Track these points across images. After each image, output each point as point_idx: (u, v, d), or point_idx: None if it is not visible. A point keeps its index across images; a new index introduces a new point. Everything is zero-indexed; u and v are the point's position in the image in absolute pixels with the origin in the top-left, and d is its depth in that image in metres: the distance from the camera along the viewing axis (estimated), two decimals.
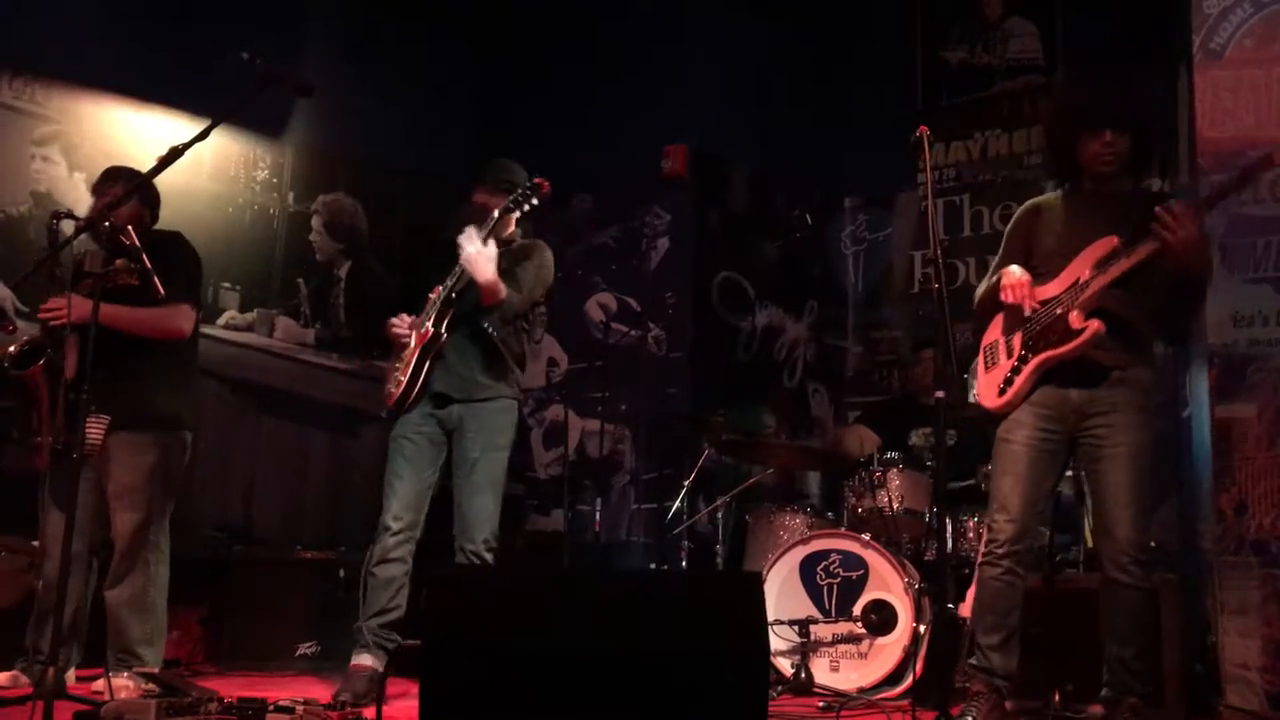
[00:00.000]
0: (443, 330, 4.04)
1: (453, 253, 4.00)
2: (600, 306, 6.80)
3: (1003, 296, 3.39)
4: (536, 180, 4.04)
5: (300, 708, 2.75)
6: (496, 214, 3.98)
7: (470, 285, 3.99)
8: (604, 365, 6.19)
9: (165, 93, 5.63)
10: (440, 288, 4.10)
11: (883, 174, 6.68)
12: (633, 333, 6.33)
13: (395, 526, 3.98)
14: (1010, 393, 3.40)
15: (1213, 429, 3.81)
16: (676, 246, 6.61)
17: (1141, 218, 3.25)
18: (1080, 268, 3.31)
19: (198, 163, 5.90)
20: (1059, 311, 3.31)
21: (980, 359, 3.57)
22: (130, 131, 5.64)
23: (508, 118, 6.94)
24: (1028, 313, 3.37)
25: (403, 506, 4.01)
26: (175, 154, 3.25)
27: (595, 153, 6.58)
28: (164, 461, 3.94)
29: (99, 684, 3.68)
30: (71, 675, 3.89)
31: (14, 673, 3.85)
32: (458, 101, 6.99)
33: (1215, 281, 3.82)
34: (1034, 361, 3.35)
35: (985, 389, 3.51)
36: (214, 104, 3.57)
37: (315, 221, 6.47)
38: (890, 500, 4.67)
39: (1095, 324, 3.24)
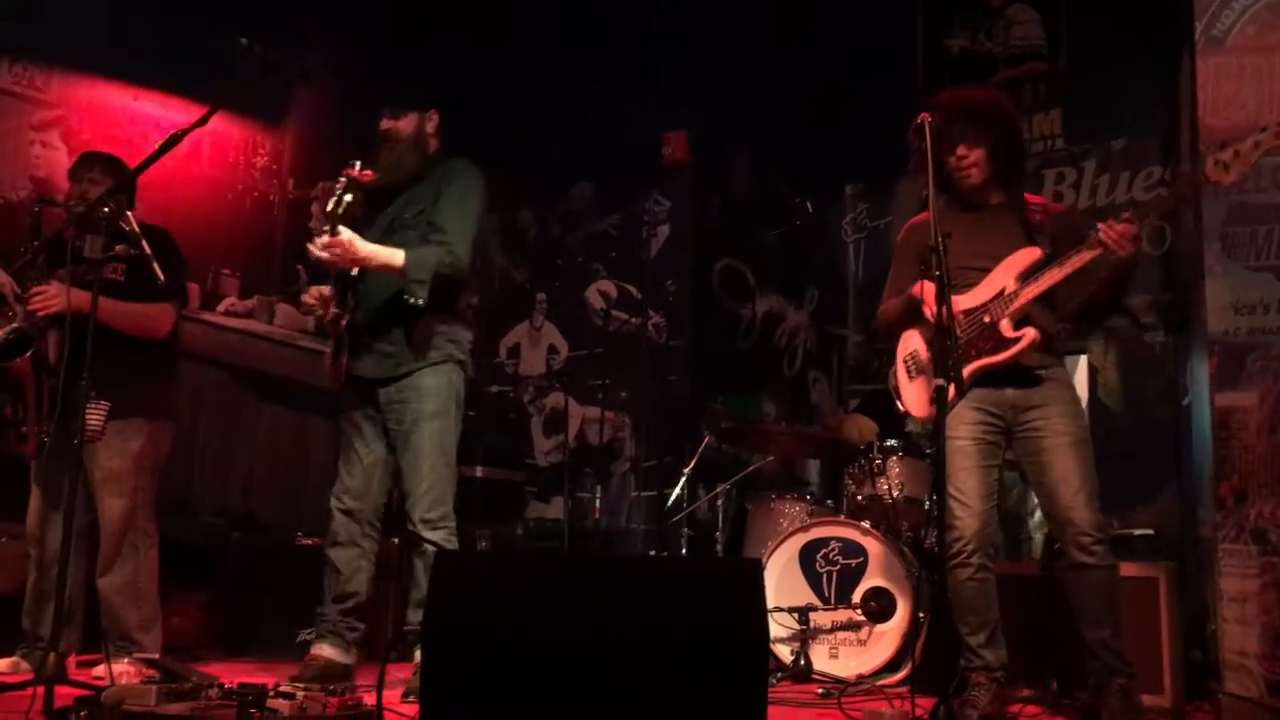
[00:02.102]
0: (344, 310, 3.73)
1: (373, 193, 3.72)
2: (601, 294, 6.80)
3: (928, 314, 3.38)
4: (347, 171, 3.56)
5: (301, 693, 2.75)
6: (330, 203, 3.54)
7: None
8: (604, 353, 6.19)
9: (165, 78, 5.63)
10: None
11: (884, 161, 6.65)
12: (633, 320, 6.33)
13: (338, 506, 3.82)
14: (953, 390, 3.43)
15: (1213, 417, 3.81)
16: (677, 234, 6.61)
17: (1038, 225, 3.46)
18: (1003, 278, 3.43)
19: (197, 149, 5.89)
20: (987, 320, 3.41)
21: (901, 370, 3.64)
22: (129, 117, 5.63)
23: (508, 104, 6.92)
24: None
25: (344, 488, 3.84)
26: (175, 140, 3.24)
27: (595, 140, 6.58)
28: (150, 448, 3.97)
29: (99, 669, 3.69)
30: (71, 661, 3.90)
31: (14, 658, 3.86)
32: (458, 88, 6.96)
33: (1217, 269, 3.83)
34: (969, 369, 3.40)
35: (913, 401, 3.58)
36: (213, 90, 3.57)
37: (315, 208, 6.46)
38: (890, 488, 4.68)
39: (1032, 332, 3.37)
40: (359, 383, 3.81)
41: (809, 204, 6.91)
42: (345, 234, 3.56)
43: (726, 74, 6.30)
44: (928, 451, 4.82)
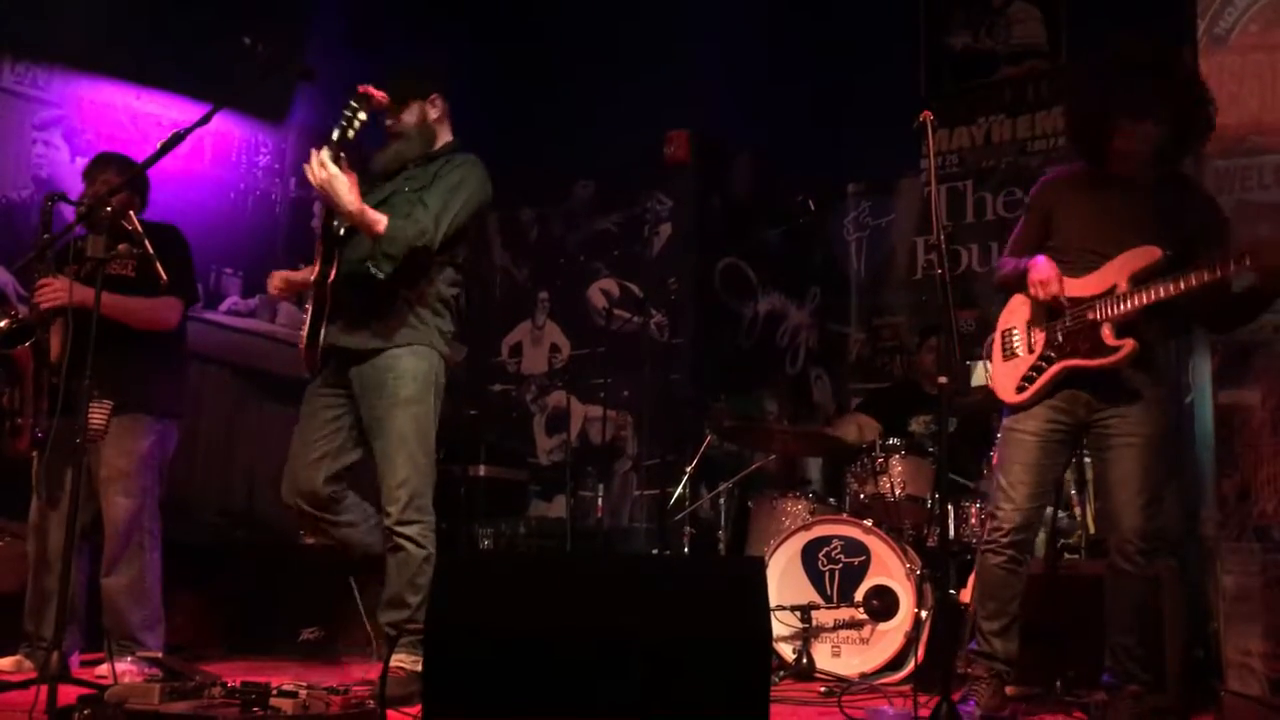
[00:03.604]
0: (327, 276, 3.52)
1: (366, 177, 3.58)
2: (603, 293, 6.80)
3: (1033, 293, 3.34)
4: (362, 89, 3.48)
5: (304, 692, 2.75)
6: (335, 133, 3.43)
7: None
8: (606, 351, 6.19)
9: (167, 78, 5.63)
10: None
11: (886, 159, 6.67)
12: (635, 319, 6.33)
13: (289, 504, 3.62)
14: (1029, 392, 3.36)
15: (1215, 415, 3.80)
16: (679, 232, 6.61)
17: (1183, 214, 3.22)
18: (1117, 274, 3.24)
19: (199, 148, 5.90)
20: (1090, 318, 3.25)
21: (997, 343, 3.49)
22: (132, 116, 5.63)
23: (510, 103, 6.92)
24: (1058, 306, 3.31)
25: (285, 480, 3.63)
26: (177, 139, 3.25)
27: (597, 138, 6.58)
28: (157, 447, 3.97)
29: (102, 668, 3.69)
30: (74, 660, 3.90)
31: (18, 657, 3.87)
32: (460, 87, 6.94)
33: None
34: (1058, 365, 3.30)
35: (1002, 381, 3.44)
36: (216, 89, 3.57)
37: (317, 207, 6.46)
38: (892, 486, 4.68)
39: (1131, 344, 3.18)
40: (334, 356, 3.59)
41: (811, 202, 6.90)
42: (336, 172, 3.40)
43: (728, 72, 6.30)
44: (930, 450, 4.83)
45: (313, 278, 3.58)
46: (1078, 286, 3.30)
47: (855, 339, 7.08)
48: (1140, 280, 3.20)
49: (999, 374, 3.46)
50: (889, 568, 4.40)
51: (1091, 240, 3.32)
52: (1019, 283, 3.42)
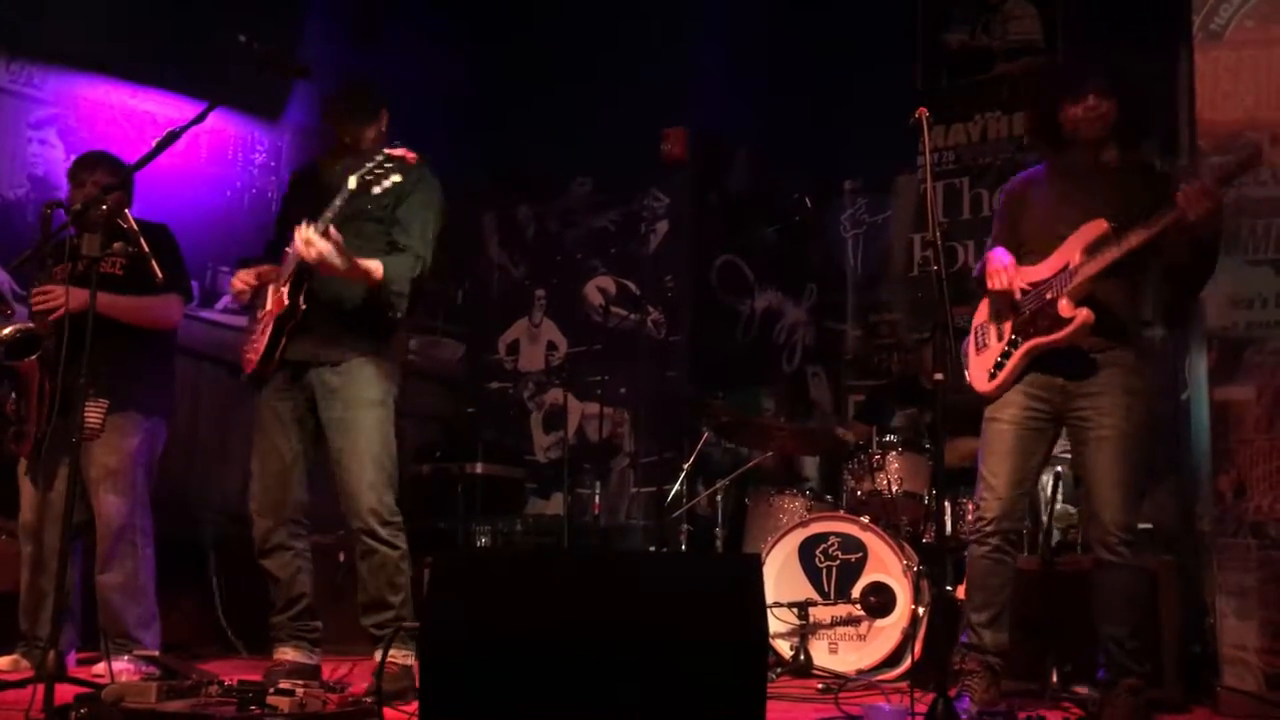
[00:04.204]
0: (300, 302, 3.51)
1: (325, 195, 3.49)
2: (599, 290, 6.80)
3: (989, 284, 3.41)
4: (394, 152, 3.37)
5: (301, 690, 2.75)
6: (352, 184, 3.35)
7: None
8: (603, 349, 6.19)
9: (162, 76, 5.62)
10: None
11: (882, 157, 6.67)
12: (632, 316, 6.33)
13: (255, 516, 3.63)
14: (1001, 377, 3.42)
15: (1211, 411, 3.81)
16: (676, 230, 6.61)
17: (1141, 193, 3.26)
18: (1070, 251, 3.30)
19: (195, 146, 5.89)
20: (1049, 297, 3.31)
21: (971, 340, 3.57)
22: (127, 114, 5.63)
23: (507, 100, 6.92)
24: (1017, 296, 3.38)
25: (262, 488, 3.63)
26: (172, 137, 3.25)
27: (594, 136, 6.58)
28: (146, 444, 3.98)
29: (99, 667, 3.69)
30: (71, 659, 3.90)
31: (14, 656, 3.87)
32: (456, 84, 6.96)
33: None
34: (1023, 348, 3.36)
35: (976, 372, 3.52)
36: (211, 87, 3.56)
37: None
38: (889, 483, 4.68)
39: (1084, 313, 3.23)
40: (290, 367, 3.60)
41: (808, 199, 6.91)
42: (327, 247, 3.33)
43: (725, 70, 6.30)
44: (927, 446, 4.83)
45: (272, 296, 3.57)
46: (1035, 271, 3.37)
47: (852, 336, 7.08)
48: (1093, 250, 3.26)
49: (973, 367, 3.54)
50: (886, 564, 4.40)
51: (1051, 227, 3.38)
52: (983, 281, 3.49)
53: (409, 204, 3.60)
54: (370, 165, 3.33)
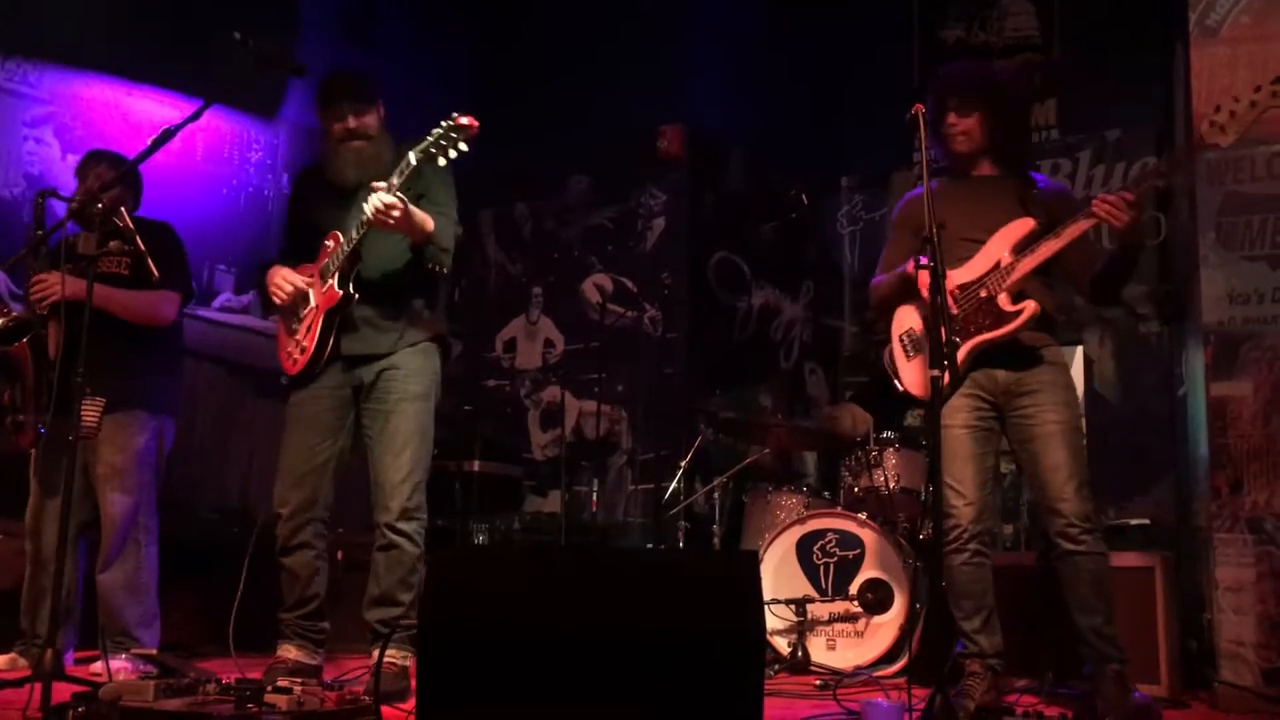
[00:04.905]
0: (352, 290, 3.51)
1: (336, 192, 3.56)
2: (597, 287, 6.79)
3: (924, 291, 3.35)
4: (460, 120, 3.25)
5: (298, 688, 2.75)
6: (413, 160, 3.30)
7: (376, 234, 3.44)
8: (600, 346, 6.18)
9: (158, 74, 5.61)
10: (339, 236, 3.54)
11: (879, 153, 6.67)
12: (629, 314, 6.33)
13: (285, 512, 3.58)
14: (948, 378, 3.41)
15: (1208, 407, 3.82)
16: (673, 227, 6.61)
17: (1035, 199, 3.38)
18: (999, 250, 3.36)
19: (191, 144, 5.88)
20: (984, 295, 3.35)
21: (897, 348, 3.57)
22: (123, 113, 5.62)
23: (504, 97, 6.91)
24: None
25: (288, 487, 3.58)
26: (168, 135, 3.24)
27: (591, 133, 6.57)
28: (153, 443, 3.98)
29: (97, 666, 3.69)
30: (69, 657, 3.90)
31: (12, 655, 3.87)
32: (454, 81, 6.96)
33: (1212, 259, 3.83)
34: (967, 345, 3.36)
35: (912, 379, 3.52)
36: (208, 85, 3.55)
37: None
38: (887, 479, 4.68)
39: (1031, 304, 3.30)
40: (341, 361, 3.60)
41: (804, 196, 6.90)
42: (399, 201, 3.32)
43: (722, 67, 6.30)
44: (924, 442, 4.83)
45: (317, 293, 3.56)
46: (962, 274, 3.41)
47: (849, 333, 7.08)
48: (1022, 248, 3.33)
49: (906, 375, 3.54)
50: (883, 561, 4.41)
51: (965, 230, 3.42)
52: (901, 290, 3.52)
53: (427, 176, 3.51)
54: (435, 135, 3.26)
